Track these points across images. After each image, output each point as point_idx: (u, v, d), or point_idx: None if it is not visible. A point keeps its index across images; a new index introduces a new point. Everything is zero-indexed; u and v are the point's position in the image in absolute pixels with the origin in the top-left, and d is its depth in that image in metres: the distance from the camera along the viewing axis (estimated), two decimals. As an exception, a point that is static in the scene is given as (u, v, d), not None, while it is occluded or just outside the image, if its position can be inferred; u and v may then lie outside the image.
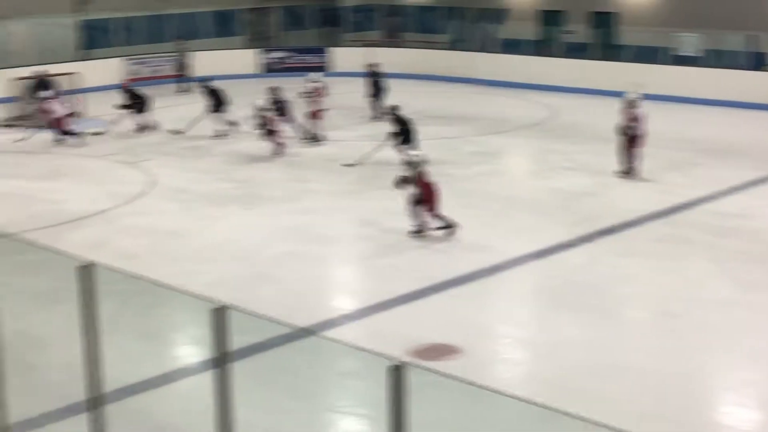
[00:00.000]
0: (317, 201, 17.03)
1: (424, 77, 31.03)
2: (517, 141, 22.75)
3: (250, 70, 31.82)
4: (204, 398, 5.66)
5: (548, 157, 20.53)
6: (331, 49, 32.84)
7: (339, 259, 14.15)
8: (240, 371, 8.26)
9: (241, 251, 14.12)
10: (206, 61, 30.78)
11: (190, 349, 10.88)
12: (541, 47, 31.31)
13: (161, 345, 10.94)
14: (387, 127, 19.26)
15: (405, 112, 19.24)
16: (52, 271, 11.27)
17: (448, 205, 14.72)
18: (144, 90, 23.85)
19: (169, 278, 10.17)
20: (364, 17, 35.25)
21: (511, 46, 31.24)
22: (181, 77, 30.06)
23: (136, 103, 23.14)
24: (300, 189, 17.88)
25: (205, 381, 5.64)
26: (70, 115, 22.73)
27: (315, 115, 21.86)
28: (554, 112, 25.68)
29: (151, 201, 17.14)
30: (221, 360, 4.98)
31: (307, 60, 32.06)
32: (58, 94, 23.19)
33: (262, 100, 20.78)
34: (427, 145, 22.13)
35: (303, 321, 10.74)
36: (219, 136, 22.37)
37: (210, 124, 22.57)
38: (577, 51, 30.01)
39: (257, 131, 20.47)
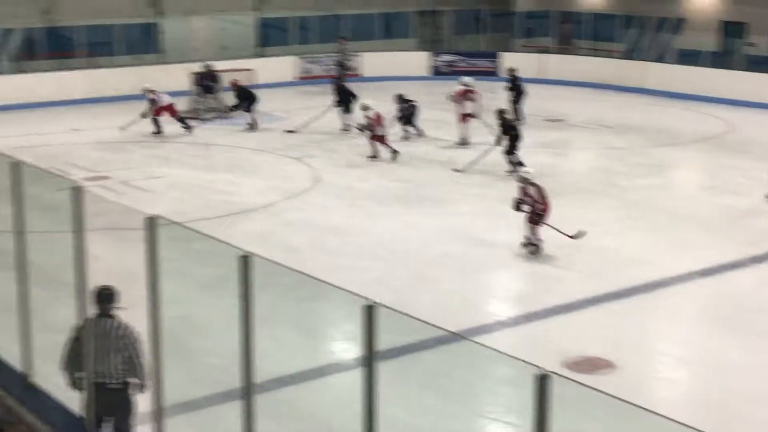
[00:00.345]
0: (479, 204, 16.97)
1: (596, 86, 30.50)
2: (689, 154, 22.08)
3: (420, 73, 32.00)
4: (353, 394, 5.72)
5: (721, 173, 19.83)
6: (502, 53, 32.68)
7: (498, 264, 14.05)
8: (391, 371, 8.31)
9: (400, 251, 14.22)
10: (377, 62, 31.19)
11: (343, 345, 11.03)
12: (720, 59, 30.25)
13: (315, 339, 11.14)
14: (523, 132, 19.13)
15: (516, 118, 18.94)
16: (217, 260, 11.65)
17: (612, 215, 14.43)
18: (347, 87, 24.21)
19: (327, 274, 10.33)
20: (536, 23, 34.91)
21: (688, 57, 30.31)
22: (343, 77, 30.29)
23: (342, 100, 23.51)
24: (462, 192, 17.86)
25: (356, 377, 5.70)
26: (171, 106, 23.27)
27: (462, 118, 21.86)
28: (731, 127, 24.77)
29: (315, 197, 17.48)
30: (369, 358, 5.02)
31: (477, 64, 32.01)
32: (214, 89, 24.10)
33: (369, 101, 20.80)
34: (597, 154, 21.87)
35: (458, 324, 10.72)
36: (346, 130, 22.93)
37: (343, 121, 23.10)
38: (759, 64, 28.84)
39: (363, 133, 20.48)
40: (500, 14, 35.18)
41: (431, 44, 34.74)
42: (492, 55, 32.70)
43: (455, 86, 22.47)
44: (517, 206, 14.16)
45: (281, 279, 10.16)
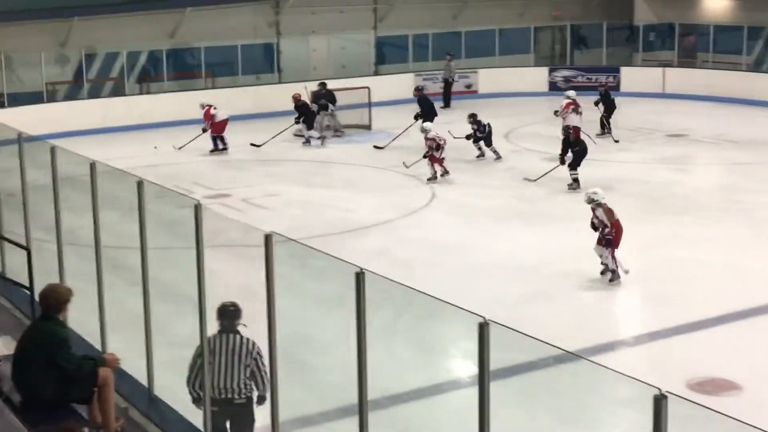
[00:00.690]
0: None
1: (721, 99, 29.65)
2: (819, 170, 21.28)
3: (538, 89, 31.70)
4: (468, 412, 5.65)
5: None
6: (623, 68, 32.13)
7: (617, 282, 13.76)
8: (507, 389, 8.21)
9: (517, 268, 14.08)
10: (494, 78, 31.05)
11: (458, 362, 10.95)
12: None
13: (430, 356, 11.09)
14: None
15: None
16: (333, 276, 11.72)
17: (737, 233, 13.98)
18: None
19: (444, 291, 10.26)
20: (658, 36, 34.23)
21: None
22: (448, 94, 30.23)
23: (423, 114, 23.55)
24: (581, 209, 17.52)
25: (471, 395, 5.63)
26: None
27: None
28: None
29: (432, 213, 17.48)
30: (484, 376, 4.95)
31: (597, 79, 31.56)
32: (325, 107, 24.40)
33: (428, 124, 20.65)
34: (721, 170, 21.27)
35: (576, 343, 10.52)
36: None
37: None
38: None
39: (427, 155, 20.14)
40: (620, 28, 34.64)
41: (550, 59, 34.43)
42: (612, 70, 32.18)
43: (561, 100, 22.31)
44: (594, 228, 13.68)
45: (397, 295, 10.16)
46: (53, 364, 6.90)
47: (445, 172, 20.06)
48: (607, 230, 13.34)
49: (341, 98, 25.38)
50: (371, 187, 19.75)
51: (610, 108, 24.17)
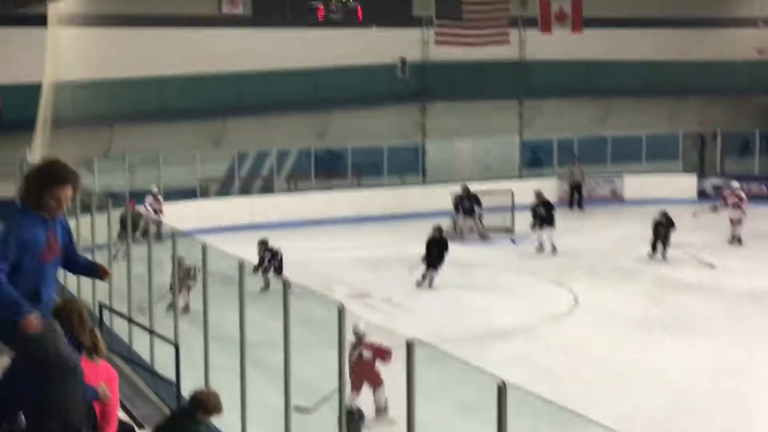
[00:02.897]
0: (756, 336, 16.01)
1: None
2: None
3: (686, 196, 31.03)
4: None
5: None
6: (776, 177, 31.25)
7: (769, 401, 13.16)
8: None
9: (667, 382, 13.62)
10: (640, 185, 30.63)
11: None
12: None
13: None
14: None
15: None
16: (473, 383, 11.60)
17: None
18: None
19: (585, 402, 10.04)
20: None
21: None
22: (576, 199, 29.91)
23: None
24: (734, 321, 16.95)
25: None
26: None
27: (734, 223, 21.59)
28: None
29: (576, 321, 17.17)
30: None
31: (749, 188, 30.72)
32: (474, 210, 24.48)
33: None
34: None
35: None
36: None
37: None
38: None
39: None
40: (773, 136, 33.84)
41: (698, 167, 33.78)
42: (766, 179, 31.29)
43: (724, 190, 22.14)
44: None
45: (537, 405, 9.97)
46: None
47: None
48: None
49: (484, 200, 25.42)
50: (513, 291, 19.58)
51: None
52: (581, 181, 30.01)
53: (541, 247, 23.19)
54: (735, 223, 23.66)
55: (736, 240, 23.39)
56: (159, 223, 21.19)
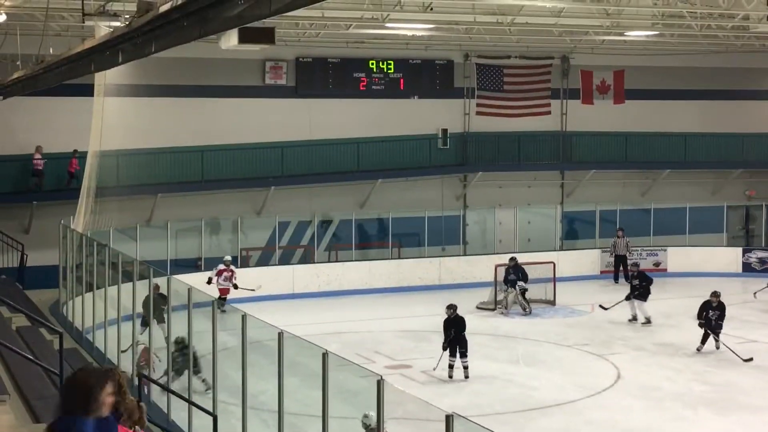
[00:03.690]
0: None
1: None
2: None
3: (730, 269, 30.61)
4: None
5: None
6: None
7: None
8: None
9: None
10: (684, 257, 30.30)
11: None
12: None
13: None
14: None
15: None
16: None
17: None
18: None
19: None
20: None
21: None
22: (620, 272, 29.33)
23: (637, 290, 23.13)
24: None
25: None
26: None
27: None
28: None
29: (618, 396, 16.86)
30: None
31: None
32: (519, 279, 24.27)
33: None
34: None
35: None
36: (642, 322, 22.76)
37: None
38: None
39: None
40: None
41: (744, 240, 33.39)
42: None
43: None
44: None
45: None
46: None
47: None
48: None
49: (532, 273, 25.25)
50: (555, 364, 19.31)
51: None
52: (626, 253, 29.64)
53: (633, 318, 23.03)
54: None
55: None
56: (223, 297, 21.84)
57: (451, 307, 18.42)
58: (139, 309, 15.62)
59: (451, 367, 17.89)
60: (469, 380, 17.76)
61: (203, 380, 14.33)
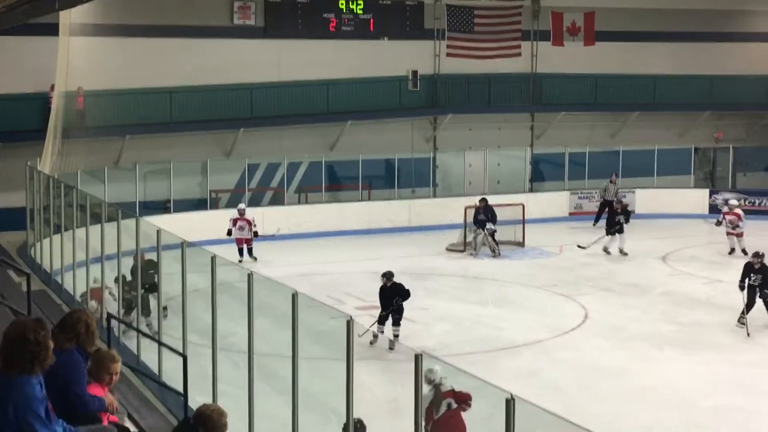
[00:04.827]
0: (764, 354, 15.90)
1: None
2: None
3: (698, 211, 30.90)
4: None
5: None
6: (789, 192, 31.10)
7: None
8: None
9: (674, 398, 13.53)
10: (651, 199, 30.55)
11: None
12: None
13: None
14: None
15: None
16: (482, 397, 11.53)
17: None
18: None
19: (595, 417, 9.99)
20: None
21: None
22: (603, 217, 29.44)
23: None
24: (751, 340, 16.78)
25: None
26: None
27: (729, 234, 21.50)
28: None
29: (586, 335, 17.07)
30: None
31: (763, 203, 30.62)
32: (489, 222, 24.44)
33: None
34: None
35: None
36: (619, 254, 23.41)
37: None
38: None
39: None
40: (786, 151, 33.72)
41: (710, 182, 33.67)
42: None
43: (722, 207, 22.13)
44: None
45: (547, 422, 9.89)
46: None
47: None
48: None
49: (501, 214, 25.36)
50: (523, 305, 19.50)
51: None
52: (614, 200, 27.87)
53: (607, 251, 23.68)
54: (734, 237, 23.59)
55: (740, 251, 22.93)
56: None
57: (386, 275, 16.59)
58: (108, 251, 15.46)
59: (375, 336, 16.00)
60: (437, 320, 17.90)
61: (148, 324, 14.26)
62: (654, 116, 33.08)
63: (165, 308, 14.30)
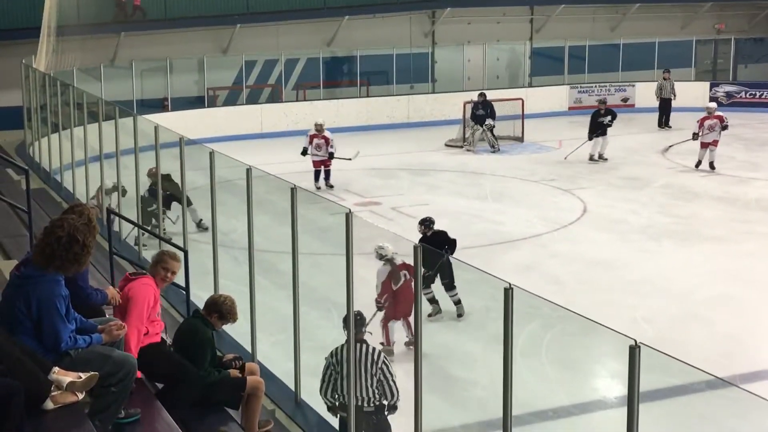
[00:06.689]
0: (761, 243, 16.02)
1: None
2: None
3: (699, 104, 30.68)
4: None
5: None
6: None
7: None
8: (656, 412, 7.96)
9: (673, 289, 13.66)
10: (652, 92, 30.32)
11: (606, 382, 10.71)
12: None
13: (577, 374, 10.88)
14: None
15: None
16: (481, 289, 11.68)
17: None
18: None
19: (594, 308, 10.09)
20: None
21: None
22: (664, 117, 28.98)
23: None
24: (747, 230, 16.91)
25: (616, 416, 5.50)
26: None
27: (703, 146, 21.22)
28: None
29: (584, 229, 17.16)
30: (633, 398, 4.81)
31: (763, 95, 30.44)
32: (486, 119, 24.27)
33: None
34: None
35: (732, 368, 10.17)
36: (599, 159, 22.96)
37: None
38: None
39: None
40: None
41: (711, 74, 33.43)
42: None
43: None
44: None
45: (545, 312, 10.04)
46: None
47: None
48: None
49: (500, 110, 25.23)
50: (522, 199, 19.55)
51: None
52: (671, 97, 28.09)
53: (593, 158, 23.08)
54: (706, 148, 21.70)
55: (708, 165, 21.58)
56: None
57: (425, 223, 13.28)
58: (107, 150, 15.39)
59: (437, 310, 12.26)
60: (436, 215, 17.92)
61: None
62: (654, 8, 32.63)
63: (201, 221, 14.84)
